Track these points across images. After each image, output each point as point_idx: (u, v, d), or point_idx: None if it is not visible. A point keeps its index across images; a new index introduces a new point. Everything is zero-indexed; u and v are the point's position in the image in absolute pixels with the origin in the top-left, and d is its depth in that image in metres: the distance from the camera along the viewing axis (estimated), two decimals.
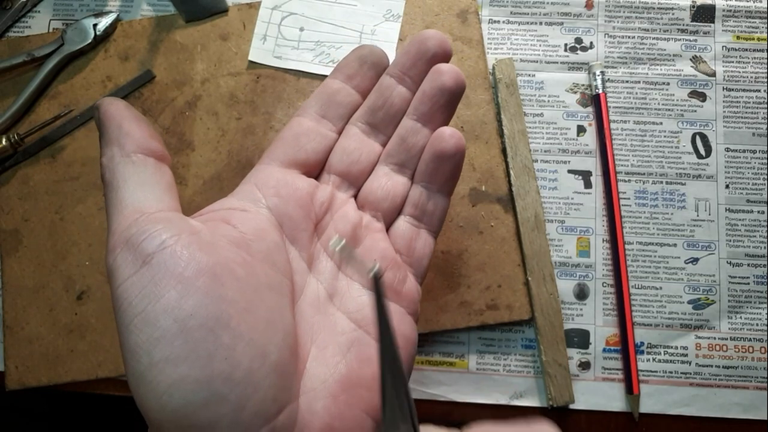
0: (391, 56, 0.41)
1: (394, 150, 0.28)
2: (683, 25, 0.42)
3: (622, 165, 0.40)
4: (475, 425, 0.21)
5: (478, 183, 0.39)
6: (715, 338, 0.38)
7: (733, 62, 0.42)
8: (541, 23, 0.42)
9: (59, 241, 0.39)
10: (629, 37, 0.42)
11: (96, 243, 0.39)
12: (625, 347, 0.38)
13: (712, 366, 0.38)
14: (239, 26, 0.42)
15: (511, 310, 0.38)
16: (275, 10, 0.42)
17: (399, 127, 0.28)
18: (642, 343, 0.38)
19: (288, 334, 0.21)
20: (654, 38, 0.42)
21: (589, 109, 0.41)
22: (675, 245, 0.39)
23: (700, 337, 0.38)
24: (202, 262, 0.20)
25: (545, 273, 0.38)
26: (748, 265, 0.39)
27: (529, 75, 0.42)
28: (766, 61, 0.41)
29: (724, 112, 0.41)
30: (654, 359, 0.38)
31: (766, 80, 0.41)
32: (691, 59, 0.42)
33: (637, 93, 0.41)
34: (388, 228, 0.28)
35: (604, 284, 0.39)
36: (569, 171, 0.40)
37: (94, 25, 0.41)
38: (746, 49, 0.42)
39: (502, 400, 0.37)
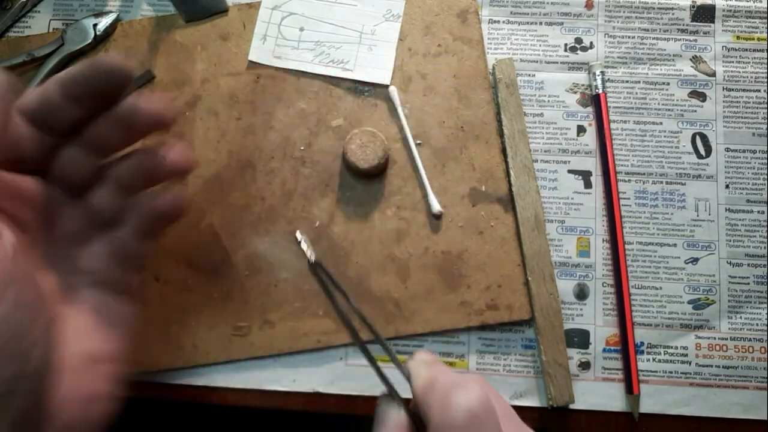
0: (391, 56, 0.41)
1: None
2: (683, 25, 0.42)
3: (622, 165, 0.40)
4: (417, 353, 0.26)
5: (478, 183, 0.39)
6: (715, 338, 0.38)
7: (733, 62, 0.42)
8: (541, 23, 0.42)
9: None
10: (629, 37, 0.42)
11: None
12: (625, 347, 0.38)
13: (712, 366, 0.38)
14: (239, 26, 0.42)
15: (511, 310, 0.38)
16: (275, 10, 0.42)
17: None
18: (642, 343, 0.38)
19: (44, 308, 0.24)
20: (654, 38, 0.42)
21: (589, 109, 0.41)
22: (675, 245, 0.39)
23: (700, 337, 0.38)
24: None
25: (545, 273, 0.38)
26: (748, 265, 0.39)
27: (529, 75, 0.42)
28: (765, 61, 0.41)
29: (724, 112, 0.41)
30: (654, 359, 0.38)
31: (765, 80, 0.41)
32: (691, 59, 0.42)
33: (637, 93, 0.41)
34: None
35: (604, 284, 0.39)
36: (569, 171, 0.40)
37: (94, 25, 0.41)
38: (746, 49, 0.42)
39: None
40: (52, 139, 0.27)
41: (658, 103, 0.41)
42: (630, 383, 0.37)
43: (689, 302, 0.39)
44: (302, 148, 0.40)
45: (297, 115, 0.40)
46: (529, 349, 0.38)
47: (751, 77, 0.41)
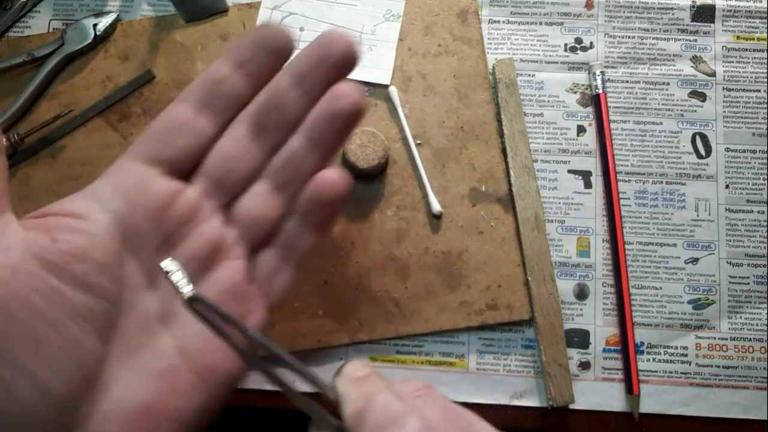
0: (391, 56, 0.41)
1: (278, 169, 0.25)
2: (683, 25, 0.42)
3: (622, 165, 0.40)
4: (346, 365, 0.22)
5: (478, 183, 0.39)
6: (715, 338, 0.38)
7: (733, 62, 0.42)
8: (541, 23, 0.42)
9: None
10: (629, 37, 0.42)
11: None
12: (625, 347, 0.38)
13: (712, 366, 0.38)
14: (239, 26, 0.42)
15: (511, 310, 0.38)
16: (275, 10, 0.42)
17: (288, 143, 0.25)
18: (642, 343, 0.38)
19: (82, 365, 0.20)
20: (654, 38, 0.42)
21: (589, 109, 0.41)
22: (675, 245, 0.39)
23: (700, 337, 0.38)
24: None
25: (545, 273, 0.38)
26: (748, 265, 0.39)
27: (529, 75, 0.42)
28: (765, 61, 0.41)
29: (724, 112, 0.41)
30: (654, 359, 0.38)
31: (765, 80, 0.41)
32: (691, 59, 0.42)
33: (637, 93, 0.41)
34: (252, 253, 0.25)
35: (604, 284, 0.39)
36: (569, 171, 0.40)
37: (94, 25, 0.41)
38: (746, 49, 0.42)
39: (503, 400, 0.37)
40: (213, 126, 0.24)
41: (658, 103, 0.41)
42: (630, 383, 0.37)
43: (689, 302, 0.39)
44: None
45: None
46: (529, 349, 0.38)
47: (751, 77, 0.41)
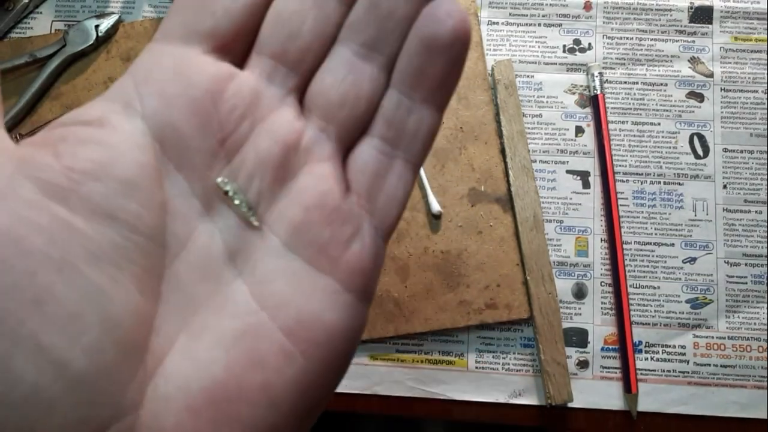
0: None
1: (361, 20, 0.17)
2: (681, 26, 0.42)
3: (620, 165, 0.40)
4: None
5: (477, 183, 0.40)
6: (713, 337, 0.38)
7: (730, 63, 0.42)
8: (539, 25, 0.43)
9: None
10: (627, 38, 0.42)
11: None
12: (623, 346, 0.38)
13: (710, 365, 0.38)
14: None
15: (509, 309, 0.38)
16: None
17: None
18: (640, 342, 0.38)
19: (114, 328, 0.14)
20: (652, 39, 0.42)
21: (588, 109, 0.41)
22: (673, 245, 0.39)
23: (698, 336, 0.38)
24: None
25: (544, 272, 0.38)
26: (746, 264, 0.39)
27: (528, 76, 0.42)
28: (764, 61, 0.42)
29: (722, 112, 0.41)
30: (652, 358, 0.38)
31: (764, 81, 0.41)
32: (689, 60, 0.42)
33: (635, 94, 0.41)
34: (344, 152, 0.18)
35: (603, 284, 0.39)
36: (568, 171, 0.40)
37: (96, 27, 0.41)
38: (744, 50, 0.42)
39: (501, 399, 0.38)
40: None
41: (656, 104, 0.41)
42: (628, 382, 0.37)
43: (687, 301, 0.39)
44: None
45: None
46: (528, 348, 0.38)
47: (749, 78, 0.41)
